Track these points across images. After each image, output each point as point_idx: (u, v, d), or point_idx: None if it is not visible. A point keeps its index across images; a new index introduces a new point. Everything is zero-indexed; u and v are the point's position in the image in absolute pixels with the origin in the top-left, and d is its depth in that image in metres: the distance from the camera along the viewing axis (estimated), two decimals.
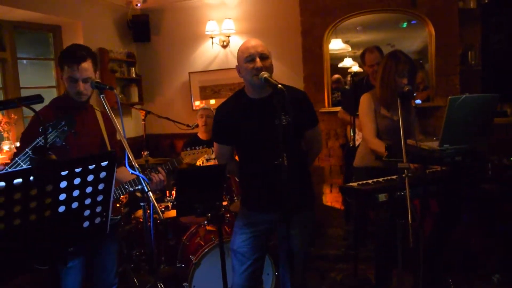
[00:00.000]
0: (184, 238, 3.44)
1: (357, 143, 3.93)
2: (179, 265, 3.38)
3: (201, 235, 3.29)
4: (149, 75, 5.72)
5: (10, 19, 4.29)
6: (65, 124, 1.99)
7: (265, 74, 2.12)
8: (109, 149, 2.44)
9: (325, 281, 3.83)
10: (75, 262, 2.33)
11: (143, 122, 4.36)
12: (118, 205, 3.05)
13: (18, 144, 4.19)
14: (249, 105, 2.31)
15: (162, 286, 3.21)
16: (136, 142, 5.11)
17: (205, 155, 2.84)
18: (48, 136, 1.98)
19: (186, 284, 3.04)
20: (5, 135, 4.10)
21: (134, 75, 5.54)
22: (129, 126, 5.50)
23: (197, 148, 2.78)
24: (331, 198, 4.83)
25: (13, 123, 4.18)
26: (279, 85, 2.01)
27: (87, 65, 2.23)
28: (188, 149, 2.75)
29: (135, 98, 5.51)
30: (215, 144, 2.46)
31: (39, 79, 4.83)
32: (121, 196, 2.43)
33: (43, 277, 2.58)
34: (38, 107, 2.28)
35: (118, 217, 2.54)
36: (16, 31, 4.41)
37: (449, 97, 2.41)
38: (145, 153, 3.49)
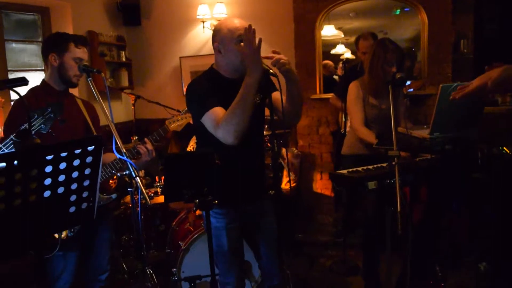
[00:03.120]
0: (173, 223, 3.43)
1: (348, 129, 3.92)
2: (168, 250, 3.38)
3: (190, 221, 3.28)
4: (139, 59, 5.64)
5: None
6: (51, 111, 1.96)
7: None
8: (94, 132, 2.43)
9: (315, 266, 3.86)
10: (70, 246, 2.31)
11: (132, 107, 4.31)
12: (111, 182, 3.03)
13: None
14: (227, 85, 2.16)
15: (151, 271, 3.20)
16: (126, 127, 5.06)
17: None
18: (33, 123, 1.95)
19: (174, 269, 3.04)
20: None
21: (124, 59, 5.45)
22: (119, 111, 5.43)
23: (180, 113, 2.73)
24: (321, 185, 4.84)
25: (0, 107, 4.10)
26: (271, 70, 2.00)
27: None
28: (173, 116, 2.71)
29: (125, 82, 5.44)
30: (209, 115, 2.05)
31: (27, 61, 4.74)
32: (111, 181, 2.41)
33: (31, 263, 2.57)
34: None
35: (113, 196, 2.49)
36: (3, 12, 4.31)
37: (441, 85, 2.40)
38: (134, 138, 3.46)
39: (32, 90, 2.40)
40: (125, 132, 4.71)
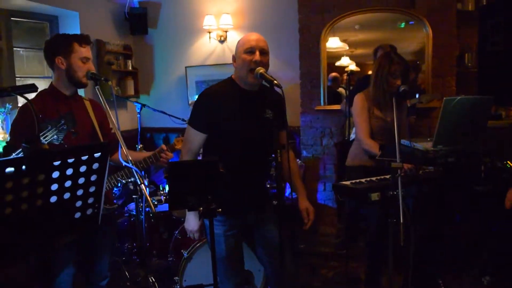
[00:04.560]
0: (177, 232, 3.43)
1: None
2: (171, 259, 3.38)
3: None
4: (145, 68, 5.70)
5: (7, 8, 4.25)
6: (65, 123, 1.99)
7: (260, 70, 2.12)
8: (100, 138, 2.44)
9: (316, 277, 3.85)
10: (70, 252, 2.32)
11: (138, 115, 4.34)
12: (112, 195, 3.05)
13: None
14: (240, 95, 2.26)
15: (153, 279, 3.21)
16: (131, 135, 5.09)
17: None
18: (46, 134, 1.98)
19: (177, 278, 3.04)
20: None
21: (130, 68, 5.51)
22: (124, 119, 5.47)
23: None
24: (324, 196, 4.84)
25: (8, 113, 4.15)
26: (275, 81, 2.03)
27: None
28: (180, 135, 2.76)
29: (131, 91, 5.49)
30: (191, 130, 2.29)
31: (35, 69, 4.80)
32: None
33: (34, 267, 2.58)
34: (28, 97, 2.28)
35: (115, 206, 2.52)
36: (12, 20, 4.38)
37: (444, 98, 2.42)
38: (141, 146, 3.49)
39: (40, 94, 2.37)
40: (130, 141, 4.74)
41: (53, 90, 2.37)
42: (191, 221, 2.36)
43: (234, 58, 2.30)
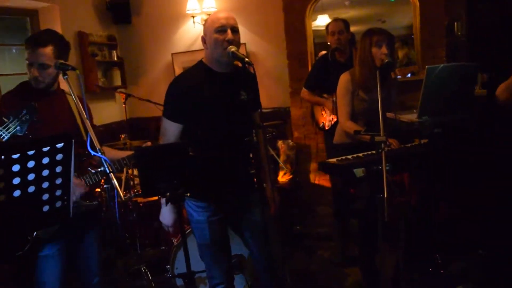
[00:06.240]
0: None
1: (327, 123, 3.88)
2: (163, 247, 3.36)
3: (184, 217, 3.25)
4: (131, 58, 5.60)
5: None
6: (27, 113, 1.92)
7: (232, 48, 2.06)
8: (83, 133, 2.37)
9: (313, 259, 3.82)
10: (52, 250, 2.27)
11: (124, 106, 4.28)
12: (97, 190, 2.98)
13: None
14: (213, 78, 2.19)
15: (145, 269, 3.19)
16: (120, 126, 5.03)
17: None
18: (9, 126, 1.92)
19: (168, 266, 3.01)
20: None
21: (115, 58, 5.41)
22: (113, 110, 5.40)
23: None
24: (319, 176, 4.79)
25: None
26: (247, 59, 1.97)
27: (46, 51, 2.11)
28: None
29: (117, 81, 5.40)
30: (166, 122, 2.20)
31: (17, 66, 4.71)
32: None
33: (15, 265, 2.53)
34: (3, 91, 2.22)
35: (94, 203, 2.43)
36: None
37: (427, 66, 2.36)
38: (123, 136, 3.43)
39: (21, 84, 2.29)
40: (119, 131, 4.68)
41: (30, 86, 2.24)
42: (166, 215, 2.31)
43: (203, 39, 2.20)
